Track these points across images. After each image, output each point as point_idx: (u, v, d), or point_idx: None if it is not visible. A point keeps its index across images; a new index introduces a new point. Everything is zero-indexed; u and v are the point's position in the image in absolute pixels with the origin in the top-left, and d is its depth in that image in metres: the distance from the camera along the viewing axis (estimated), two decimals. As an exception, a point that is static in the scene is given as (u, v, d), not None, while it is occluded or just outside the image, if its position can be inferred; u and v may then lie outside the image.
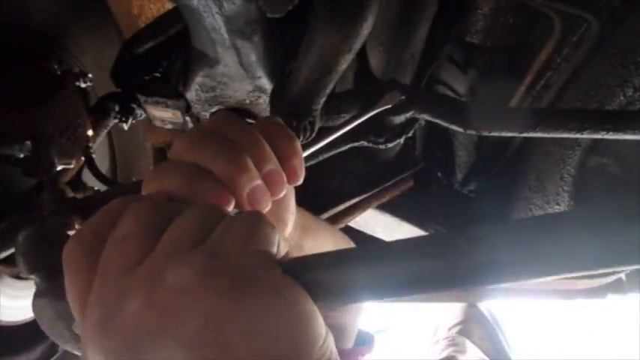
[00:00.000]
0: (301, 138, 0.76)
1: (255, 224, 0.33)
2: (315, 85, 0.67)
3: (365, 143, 0.86)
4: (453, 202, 1.20)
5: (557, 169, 0.87)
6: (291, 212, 0.52)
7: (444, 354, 2.13)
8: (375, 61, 0.77)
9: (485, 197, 1.16)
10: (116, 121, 1.05)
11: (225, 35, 0.76)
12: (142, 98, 0.98)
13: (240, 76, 0.87)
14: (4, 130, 0.91)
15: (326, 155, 0.90)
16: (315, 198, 0.99)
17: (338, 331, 0.78)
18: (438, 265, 0.29)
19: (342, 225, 1.09)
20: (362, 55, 0.77)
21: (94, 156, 1.09)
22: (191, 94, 0.94)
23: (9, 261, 0.92)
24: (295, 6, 0.57)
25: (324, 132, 0.77)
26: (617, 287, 1.71)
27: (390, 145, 0.85)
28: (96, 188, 1.11)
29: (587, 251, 0.27)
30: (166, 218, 0.34)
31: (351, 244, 0.72)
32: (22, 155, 0.90)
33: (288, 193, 0.48)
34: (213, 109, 0.99)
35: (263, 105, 0.97)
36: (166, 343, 0.28)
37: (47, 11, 1.06)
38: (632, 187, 0.83)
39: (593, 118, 0.68)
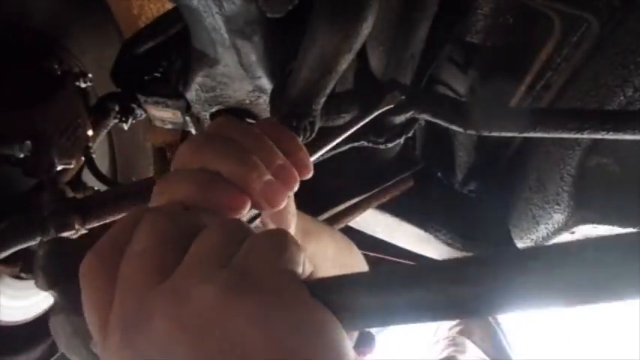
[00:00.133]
0: (301, 138, 0.76)
1: (282, 243, 0.32)
2: (315, 85, 0.67)
3: (365, 143, 0.86)
4: (453, 202, 1.20)
5: (557, 169, 0.87)
6: (293, 214, 0.52)
7: (444, 354, 2.13)
8: (375, 61, 0.76)
9: (485, 197, 1.16)
10: (116, 121, 1.05)
11: (225, 35, 0.76)
12: (142, 98, 0.98)
13: (240, 76, 0.87)
14: (4, 130, 0.91)
15: (326, 155, 0.90)
16: (315, 198, 0.99)
17: None
18: (474, 291, 0.27)
19: (342, 225, 1.09)
20: (362, 55, 0.77)
21: (94, 156, 1.09)
22: (191, 94, 0.94)
23: (9, 261, 0.92)
24: (295, 6, 0.57)
25: (324, 132, 0.77)
26: (617, 287, 1.72)
27: (390, 145, 0.85)
28: (96, 188, 1.11)
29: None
30: (185, 230, 0.33)
31: (353, 246, 0.72)
32: (22, 155, 0.90)
33: None
34: (213, 109, 0.99)
35: (263, 105, 0.97)
36: None
37: (47, 11, 1.06)
38: (632, 187, 0.83)
39: (593, 118, 0.68)
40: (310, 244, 0.60)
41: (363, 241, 1.31)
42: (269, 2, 0.57)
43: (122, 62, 0.99)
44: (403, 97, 0.76)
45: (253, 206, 0.40)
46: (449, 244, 1.18)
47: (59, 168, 1.00)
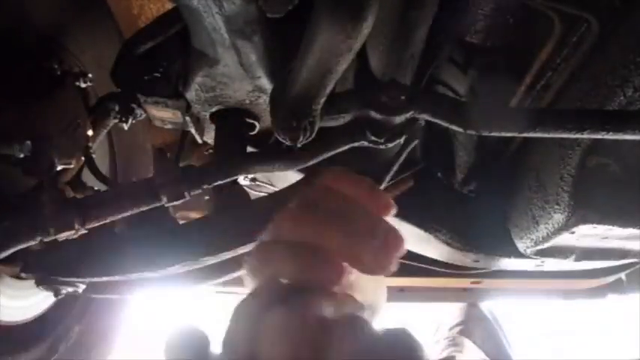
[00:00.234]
0: (301, 138, 0.76)
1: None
2: (315, 85, 0.67)
3: (365, 143, 0.86)
4: (453, 202, 1.20)
5: (557, 169, 0.87)
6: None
7: (445, 354, 2.13)
8: (375, 61, 0.76)
9: (485, 197, 1.16)
10: (116, 121, 1.05)
11: (225, 35, 0.76)
12: (142, 98, 0.98)
13: (240, 76, 0.87)
14: (4, 130, 0.91)
15: (326, 155, 0.90)
16: (315, 198, 0.99)
17: None
18: None
19: (342, 225, 1.09)
20: (362, 55, 0.77)
21: (94, 156, 1.09)
22: (191, 94, 0.94)
23: (9, 261, 0.92)
24: (295, 6, 0.57)
25: (324, 132, 0.77)
26: (617, 287, 1.72)
27: (390, 145, 0.85)
28: (96, 188, 1.11)
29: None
30: (317, 334, 0.34)
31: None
32: (22, 155, 0.90)
33: None
34: (213, 109, 0.99)
35: (263, 105, 0.96)
36: None
37: (47, 11, 1.06)
38: (632, 187, 0.83)
39: (593, 118, 0.68)
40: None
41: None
42: (269, 2, 0.57)
43: (122, 62, 0.99)
44: (403, 97, 0.76)
45: (365, 272, 0.40)
46: (449, 244, 1.18)
47: (59, 168, 1.00)
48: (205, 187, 0.90)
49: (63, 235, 0.86)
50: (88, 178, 1.11)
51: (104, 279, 0.96)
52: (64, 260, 0.95)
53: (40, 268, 0.96)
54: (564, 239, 0.94)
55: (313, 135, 0.77)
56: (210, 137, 1.09)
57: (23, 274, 0.96)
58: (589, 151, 0.82)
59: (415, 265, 1.43)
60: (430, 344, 2.31)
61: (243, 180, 1.35)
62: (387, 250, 0.39)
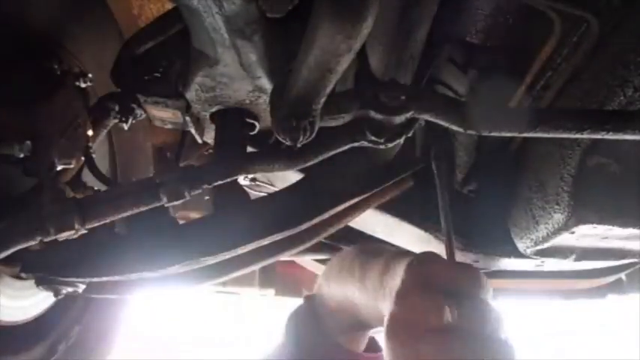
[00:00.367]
0: (301, 138, 0.76)
1: None
2: (315, 85, 0.67)
3: (365, 143, 0.86)
4: (453, 202, 1.20)
5: (557, 169, 0.87)
6: None
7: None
8: (375, 61, 0.76)
9: (485, 197, 1.16)
10: (116, 121, 1.05)
11: (225, 35, 0.76)
12: (141, 98, 0.98)
13: (240, 76, 0.87)
14: (4, 130, 0.91)
15: (326, 155, 0.90)
16: (315, 198, 0.99)
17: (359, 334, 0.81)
18: None
19: (342, 225, 1.09)
20: (362, 55, 0.76)
21: (94, 156, 1.09)
22: (191, 94, 0.94)
23: (9, 261, 0.92)
24: (295, 6, 0.57)
25: (324, 132, 0.77)
26: (617, 287, 1.71)
27: (390, 145, 0.85)
28: (96, 188, 1.11)
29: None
30: None
31: None
32: (22, 155, 0.90)
33: None
34: (213, 109, 0.99)
35: (263, 105, 0.96)
36: None
37: (47, 11, 1.06)
38: (632, 187, 0.83)
39: (593, 118, 0.68)
40: None
41: (363, 241, 1.31)
42: (269, 2, 0.57)
43: (122, 62, 0.99)
44: (403, 97, 0.76)
45: None
46: (449, 244, 1.18)
47: (59, 168, 1.00)
48: (205, 187, 0.90)
49: (63, 235, 0.86)
50: (88, 178, 1.11)
51: (104, 279, 0.96)
52: (64, 260, 0.95)
53: (40, 268, 0.96)
54: (564, 239, 0.94)
55: (313, 135, 0.77)
56: (210, 137, 1.09)
57: (23, 274, 0.96)
58: (589, 151, 0.82)
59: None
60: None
61: (243, 180, 1.35)
62: None
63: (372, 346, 0.90)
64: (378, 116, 0.78)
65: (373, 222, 1.19)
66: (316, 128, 0.77)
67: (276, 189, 1.29)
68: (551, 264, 1.12)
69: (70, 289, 0.99)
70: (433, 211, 1.18)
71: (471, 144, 1.10)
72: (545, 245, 0.98)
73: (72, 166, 1.03)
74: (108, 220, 0.89)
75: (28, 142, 0.90)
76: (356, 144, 0.86)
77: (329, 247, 1.37)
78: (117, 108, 1.03)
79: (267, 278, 2.11)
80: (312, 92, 0.69)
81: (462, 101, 0.96)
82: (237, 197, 1.01)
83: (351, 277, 0.77)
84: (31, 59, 1.00)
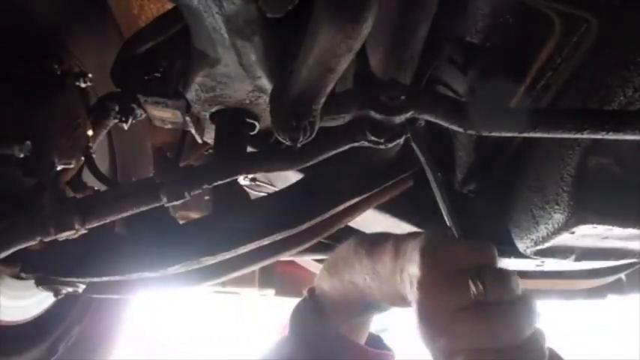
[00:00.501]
0: (301, 138, 0.76)
1: None
2: (315, 85, 0.67)
3: (365, 143, 0.86)
4: (453, 202, 1.19)
5: (557, 169, 0.87)
6: None
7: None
8: (375, 61, 0.76)
9: (485, 197, 1.16)
10: (116, 121, 1.05)
11: (225, 35, 0.76)
12: (142, 98, 0.98)
13: (240, 76, 0.87)
14: (4, 130, 0.91)
15: (326, 155, 0.90)
16: (315, 198, 0.99)
17: (361, 325, 0.85)
18: None
19: (342, 225, 1.09)
20: (362, 55, 0.76)
21: (94, 156, 1.09)
22: (191, 94, 0.94)
23: (9, 261, 0.92)
24: (295, 6, 0.57)
25: (324, 132, 0.77)
26: (617, 287, 1.71)
27: (390, 145, 0.85)
28: (96, 188, 1.11)
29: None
30: None
31: None
32: (22, 155, 0.90)
33: None
34: (213, 109, 0.99)
35: (263, 105, 0.96)
36: None
37: (47, 11, 1.06)
38: (632, 187, 0.83)
39: (593, 118, 0.68)
40: None
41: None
42: (269, 2, 0.57)
43: (122, 62, 0.99)
44: (403, 97, 0.76)
45: None
46: (449, 244, 1.18)
47: (59, 168, 1.00)
48: (205, 187, 0.90)
49: (63, 235, 0.86)
50: (88, 178, 1.10)
51: (104, 279, 0.96)
52: (64, 260, 0.95)
53: (40, 268, 0.96)
54: (564, 239, 0.94)
55: (313, 135, 0.77)
56: (210, 137, 1.09)
57: (23, 274, 0.96)
58: (589, 151, 0.82)
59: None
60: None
61: (243, 180, 1.35)
62: None
63: (376, 343, 0.90)
64: (378, 116, 0.78)
65: (373, 222, 1.19)
66: (316, 128, 0.77)
67: (276, 189, 1.29)
68: (551, 264, 1.13)
69: (70, 289, 0.99)
70: (433, 212, 1.18)
71: (471, 144, 1.10)
72: (545, 245, 0.98)
73: (72, 166, 1.03)
74: (108, 220, 0.89)
75: (28, 142, 0.90)
76: (356, 144, 0.86)
77: (329, 247, 1.37)
78: (117, 108, 1.03)
79: (267, 278, 2.11)
80: (312, 92, 0.69)
81: (462, 101, 0.96)
82: (237, 197, 1.01)
83: (358, 264, 0.78)
84: (32, 59, 1.00)
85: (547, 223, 0.93)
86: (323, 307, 0.85)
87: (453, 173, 1.18)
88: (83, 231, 0.87)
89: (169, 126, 1.06)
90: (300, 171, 1.02)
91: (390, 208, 1.16)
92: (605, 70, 0.77)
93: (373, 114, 0.78)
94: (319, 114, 0.74)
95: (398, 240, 0.71)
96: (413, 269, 0.60)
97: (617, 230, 0.87)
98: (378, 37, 0.70)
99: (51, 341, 1.17)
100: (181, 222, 1.01)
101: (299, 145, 0.78)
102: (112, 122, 1.07)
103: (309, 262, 1.69)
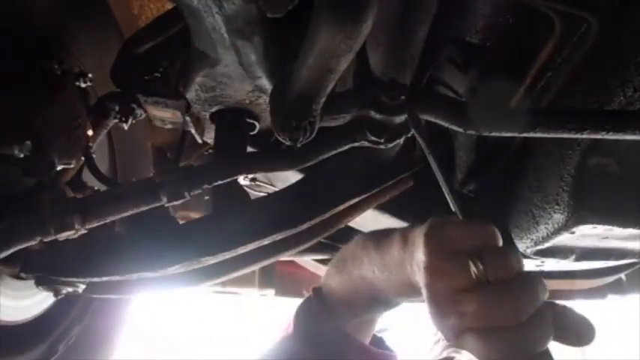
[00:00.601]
0: (301, 138, 0.76)
1: None
2: (315, 85, 0.67)
3: (365, 143, 0.86)
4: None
5: (557, 169, 0.87)
6: None
7: (444, 354, 2.12)
8: (375, 61, 0.76)
9: (485, 197, 1.16)
10: (116, 121, 1.05)
11: (225, 35, 0.76)
12: (141, 98, 0.98)
13: (240, 76, 0.87)
14: (4, 130, 0.91)
15: (326, 155, 0.90)
16: (315, 198, 0.99)
17: (365, 325, 0.86)
18: None
19: (342, 225, 1.09)
20: (362, 55, 0.77)
21: (94, 156, 1.09)
22: (191, 94, 0.94)
23: (9, 261, 0.92)
24: (295, 6, 0.57)
25: (324, 132, 0.76)
26: (617, 287, 1.71)
27: (390, 145, 0.85)
28: (96, 188, 1.11)
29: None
30: None
31: None
32: (22, 155, 0.90)
33: None
34: (213, 109, 0.99)
35: (263, 105, 0.96)
36: None
37: (47, 11, 1.06)
38: (632, 187, 0.83)
39: (593, 118, 0.68)
40: None
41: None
42: (269, 2, 0.57)
43: (122, 62, 0.99)
44: (403, 97, 0.76)
45: None
46: (449, 244, 1.18)
47: (59, 168, 1.00)
48: (205, 187, 0.90)
49: (63, 235, 0.86)
50: (88, 178, 1.11)
51: (104, 279, 0.96)
52: (64, 260, 0.95)
53: (40, 268, 0.96)
54: (564, 239, 0.94)
55: (313, 135, 0.77)
56: (210, 137, 1.09)
57: (23, 274, 0.96)
58: (589, 151, 0.82)
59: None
60: (430, 344, 2.31)
61: (243, 180, 1.35)
62: None
63: (379, 344, 0.91)
64: (378, 116, 0.78)
65: (373, 222, 1.19)
66: (316, 128, 0.77)
67: (276, 189, 1.29)
68: (551, 264, 1.12)
69: (70, 289, 0.99)
70: (433, 211, 1.18)
71: (471, 144, 1.10)
72: (545, 245, 0.98)
73: (72, 166, 1.04)
74: (108, 220, 0.89)
75: (28, 142, 0.90)
76: (356, 144, 0.87)
77: (329, 247, 1.37)
78: (117, 108, 1.03)
79: (267, 278, 2.11)
80: (312, 92, 0.69)
81: (462, 101, 0.96)
82: (237, 197, 1.01)
83: (366, 258, 0.79)
84: (32, 59, 1.00)
85: (547, 223, 0.93)
86: (328, 306, 0.86)
87: (453, 173, 1.18)
88: (83, 231, 0.87)
89: (169, 126, 1.06)
90: (300, 171, 1.02)
91: (390, 208, 1.16)
92: (605, 70, 0.77)
93: (373, 114, 0.79)
94: (319, 114, 0.74)
95: (405, 230, 0.72)
96: (419, 255, 0.61)
97: (617, 230, 0.87)
98: (378, 37, 0.71)
99: (51, 341, 1.17)
100: (181, 222, 1.01)
101: (299, 145, 0.78)
102: (112, 122, 1.07)
103: (309, 262, 1.69)
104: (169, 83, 0.96)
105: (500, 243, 0.60)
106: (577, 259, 1.03)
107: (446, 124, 0.75)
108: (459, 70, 0.98)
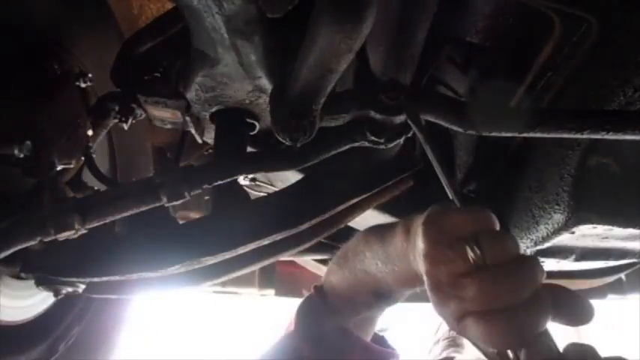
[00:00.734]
0: (301, 138, 0.76)
1: None
2: (315, 85, 0.67)
3: (365, 143, 0.86)
4: (453, 202, 1.19)
5: (557, 169, 0.87)
6: None
7: (445, 354, 2.12)
8: (375, 61, 0.76)
9: (486, 197, 1.16)
10: (116, 121, 1.05)
11: (225, 35, 0.76)
12: (141, 98, 0.98)
13: (240, 76, 0.87)
14: (4, 130, 0.91)
15: (326, 155, 0.90)
16: (315, 198, 0.99)
17: (367, 322, 0.87)
18: None
19: (342, 225, 1.09)
20: (362, 55, 0.77)
21: (94, 156, 1.09)
22: (191, 94, 0.94)
23: (9, 261, 0.92)
24: (295, 6, 0.57)
25: (324, 132, 0.76)
26: (617, 287, 1.71)
27: (390, 145, 0.85)
28: (96, 188, 1.11)
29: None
30: None
31: None
32: (22, 155, 0.90)
33: None
34: (213, 109, 0.99)
35: (263, 105, 0.96)
36: None
37: (47, 11, 1.06)
38: (632, 187, 0.83)
39: (593, 118, 0.68)
40: None
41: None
42: (269, 2, 0.57)
43: (122, 62, 0.99)
44: (403, 97, 0.76)
45: None
46: (449, 244, 1.18)
47: (59, 168, 1.00)
48: (205, 187, 0.90)
49: (63, 235, 0.86)
50: (88, 178, 1.11)
51: (104, 279, 0.96)
52: (64, 260, 0.95)
53: (40, 268, 0.96)
54: (564, 239, 0.94)
55: (313, 135, 0.77)
56: (210, 137, 1.09)
57: (23, 274, 0.96)
58: (589, 151, 0.82)
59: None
60: (430, 344, 2.31)
61: (243, 180, 1.35)
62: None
63: (381, 343, 0.91)
64: (378, 116, 0.78)
65: (373, 222, 1.19)
66: (316, 128, 0.77)
67: (276, 189, 1.29)
68: (551, 264, 1.12)
69: (70, 289, 0.99)
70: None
71: (471, 144, 1.10)
72: (545, 245, 0.98)
73: (72, 166, 1.04)
74: (108, 220, 0.89)
75: (28, 142, 0.90)
76: (356, 144, 0.87)
77: (329, 247, 1.37)
78: (117, 108, 1.03)
79: (267, 278, 2.11)
80: (312, 92, 0.69)
81: (462, 101, 0.96)
82: (237, 197, 1.01)
83: (369, 251, 0.79)
84: (32, 59, 1.00)
85: (547, 223, 0.93)
86: (330, 303, 0.86)
87: (453, 173, 1.18)
88: (83, 231, 0.87)
89: (169, 126, 1.06)
90: (300, 171, 1.02)
91: (390, 208, 1.16)
92: (605, 70, 0.77)
93: (373, 114, 0.79)
94: (319, 114, 0.74)
95: (407, 220, 0.73)
96: (419, 243, 0.62)
97: (617, 230, 0.87)
98: (378, 37, 0.70)
99: (51, 341, 1.17)
100: (181, 222, 1.01)
101: (299, 145, 0.78)
102: (112, 122, 1.07)
103: (309, 262, 1.69)
104: (169, 83, 0.96)
105: (497, 227, 0.60)
106: (577, 259, 1.03)
107: (446, 124, 0.75)
108: (459, 70, 0.98)
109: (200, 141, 1.09)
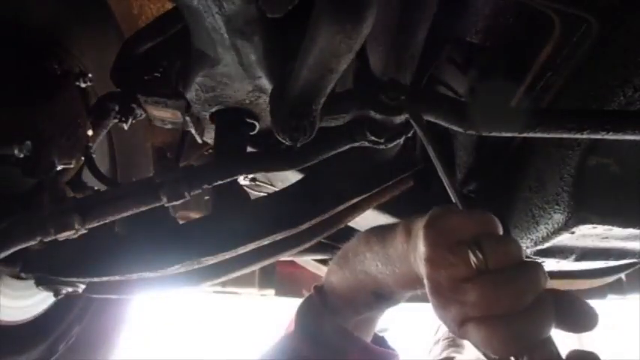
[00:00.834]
0: (301, 138, 0.76)
1: None
2: (315, 85, 0.67)
3: (365, 143, 0.86)
4: (453, 202, 1.19)
5: (557, 169, 0.87)
6: None
7: (444, 354, 2.13)
8: (375, 61, 0.76)
9: (486, 197, 1.16)
10: (116, 121, 1.05)
11: (225, 35, 0.76)
12: (141, 98, 0.98)
13: (240, 76, 0.87)
14: (4, 130, 0.91)
15: (326, 155, 0.90)
16: (315, 198, 0.99)
17: (367, 323, 0.87)
18: None
19: (342, 225, 1.09)
20: (362, 55, 0.77)
21: (94, 156, 1.09)
22: (191, 94, 0.94)
23: (9, 261, 0.92)
24: (295, 6, 0.57)
25: (324, 132, 0.76)
26: (617, 287, 1.72)
27: (390, 145, 0.85)
28: (96, 188, 1.11)
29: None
30: None
31: None
32: (22, 155, 0.90)
33: None
34: (213, 109, 0.99)
35: (263, 105, 0.96)
36: None
37: (47, 11, 1.06)
38: (632, 187, 0.83)
39: (593, 118, 0.68)
40: None
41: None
42: (269, 2, 0.57)
43: (122, 62, 0.99)
44: (403, 97, 0.76)
45: None
46: (449, 244, 1.18)
47: (59, 168, 1.00)
48: (205, 187, 0.90)
49: (63, 235, 0.86)
50: (88, 178, 1.11)
51: (104, 279, 0.96)
52: (64, 260, 0.95)
53: (40, 268, 0.96)
54: (564, 239, 0.94)
55: (313, 135, 0.77)
56: (210, 137, 1.09)
57: (23, 274, 0.96)
58: (589, 151, 0.82)
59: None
60: (430, 345, 2.31)
61: (243, 180, 1.35)
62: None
63: (381, 343, 0.91)
64: (378, 116, 0.78)
65: (373, 222, 1.19)
66: (316, 128, 0.77)
67: (276, 189, 1.29)
68: (551, 264, 1.13)
69: (70, 289, 0.99)
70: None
71: (471, 144, 1.10)
72: (545, 245, 0.98)
73: (72, 166, 1.04)
74: (108, 220, 0.89)
75: (28, 142, 0.90)
76: (356, 144, 0.86)
77: (329, 247, 1.37)
78: (117, 108, 1.03)
79: (267, 278, 2.11)
80: (312, 92, 0.69)
81: (462, 101, 0.96)
82: (237, 197, 1.01)
83: (369, 252, 0.78)
84: (32, 59, 1.00)
85: (547, 223, 0.93)
86: (330, 304, 0.86)
87: (453, 173, 1.18)
88: (83, 231, 0.87)
89: (169, 126, 1.06)
90: (300, 171, 1.02)
91: (390, 208, 1.16)
92: (605, 70, 0.77)
93: (373, 114, 0.78)
94: (319, 114, 0.74)
95: (408, 222, 0.72)
96: (420, 246, 0.61)
97: (617, 230, 0.87)
98: (378, 37, 0.70)
99: (51, 341, 1.17)
100: (181, 222, 1.01)
101: (299, 145, 0.78)
102: (112, 122, 1.07)
103: (309, 262, 1.69)
104: (169, 83, 0.96)
105: (500, 231, 0.60)
106: (577, 259, 1.03)
107: (446, 124, 0.75)
108: (459, 70, 0.98)
109: (200, 141, 1.09)
